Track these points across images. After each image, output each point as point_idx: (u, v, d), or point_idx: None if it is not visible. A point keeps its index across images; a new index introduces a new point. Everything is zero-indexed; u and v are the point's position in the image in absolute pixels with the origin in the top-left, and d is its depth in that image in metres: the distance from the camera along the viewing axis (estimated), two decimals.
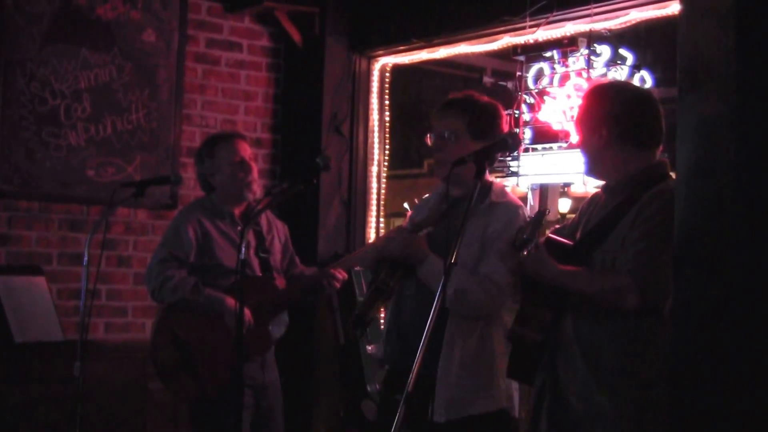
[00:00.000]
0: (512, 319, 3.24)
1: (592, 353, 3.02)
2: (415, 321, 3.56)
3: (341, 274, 4.48)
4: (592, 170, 3.26)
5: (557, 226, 3.51)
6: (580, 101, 3.33)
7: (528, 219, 3.27)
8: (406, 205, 4.41)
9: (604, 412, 2.99)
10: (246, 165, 4.54)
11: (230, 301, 4.32)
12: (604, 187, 3.26)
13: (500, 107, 3.81)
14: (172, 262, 4.45)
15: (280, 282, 4.62)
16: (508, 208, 3.70)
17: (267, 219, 4.71)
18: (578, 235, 3.20)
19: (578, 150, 3.31)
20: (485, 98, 3.80)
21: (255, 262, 4.55)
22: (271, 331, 4.51)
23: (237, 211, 4.58)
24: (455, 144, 3.67)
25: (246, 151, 4.59)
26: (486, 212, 3.66)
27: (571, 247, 3.14)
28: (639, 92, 3.37)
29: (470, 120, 3.68)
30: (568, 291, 3.06)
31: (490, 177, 3.89)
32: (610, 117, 3.13)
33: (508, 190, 3.88)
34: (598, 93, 3.26)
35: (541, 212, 3.24)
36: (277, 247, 4.69)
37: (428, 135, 3.78)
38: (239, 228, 4.49)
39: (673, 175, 3.12)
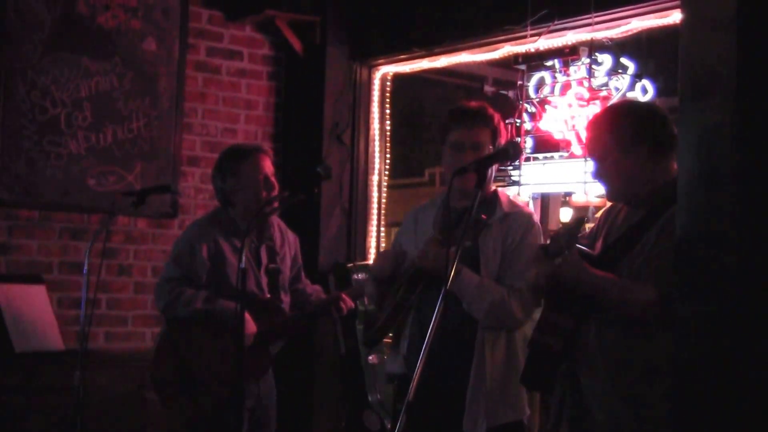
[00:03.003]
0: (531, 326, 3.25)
1: (616, 364, 3.01)
2: (441, 333, 3.54)
3: (349, 303, 4.46)
4: (627, 190, 3.19)
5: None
6: (599, 127, 3.23)
7: (562, 226, 3.24)
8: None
9: (627, 424, 2.98)
10: (269, 183, 4.45)
11: (246, 314, 4.26)
12: (628, 201, 3.24)
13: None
14: (183, 281, 4.39)
15: (285, 300, 4.58)
16: (523, 217, 3.75)
17: (280, 231, 4.63)
18: (599, 246, 3.19)
19: (604, 177, 3.21)
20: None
21: (264, 281, 4.49)
22: (270, 350, 4.50)
23: (255, 230, 4.52)
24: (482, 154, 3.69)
25: (270, 167, 4.48)
26: (501, 223, 3.69)
27: (596, 257, 3.13)
28: (650, 105, 3.40)
29: (491, 132, 3.75)
30: (599, 298, 3.04)
31: (493, 186, 3.89)
32: (644, 134, 3.11)
33: (514, 198, 3.89)
34: (622, 111, 3.23)
35: (580, 219, 3.20)
36: (287, 264, 4.63)
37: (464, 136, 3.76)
38: (254, 244, 4.47)
39: None
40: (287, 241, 4.67)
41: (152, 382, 4.53)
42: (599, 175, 3.23)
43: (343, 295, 4.45)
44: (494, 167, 3.72)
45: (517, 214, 3.74)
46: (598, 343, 3.04)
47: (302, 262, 4.80)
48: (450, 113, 3.83)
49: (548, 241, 3.19)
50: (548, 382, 3.18)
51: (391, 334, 3.90)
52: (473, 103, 3.84)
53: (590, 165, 3.31)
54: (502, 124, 3.83)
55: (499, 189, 3.92)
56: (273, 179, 4.48)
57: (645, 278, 2.98)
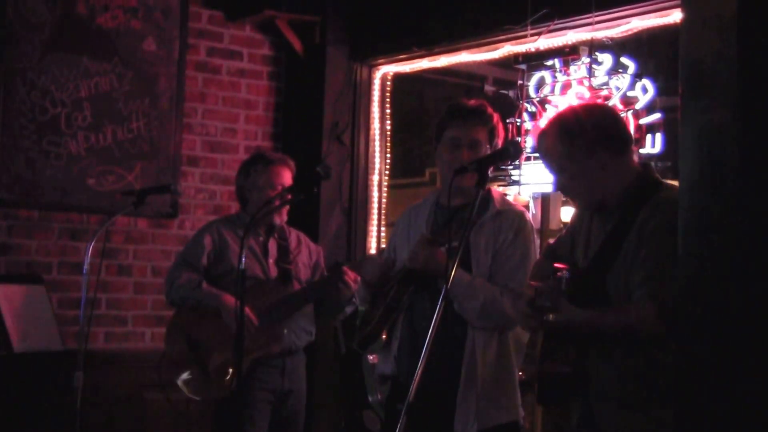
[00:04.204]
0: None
1: (626, 381, 2.96)
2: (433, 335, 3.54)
3: (352, 275, 4.47)
4: (593, 196, 3.12)
5: (550, 241, 3.47)
6: (551, 140, 3.13)
7: (546, 283, 3.17)
8: None
9: None
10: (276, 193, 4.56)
11: (227, 298, 4.40)
12: (598, 208, 3.17)
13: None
14: (184, 267, 4.58)
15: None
16: (515, 215, 3.73)
17: (298, 238, 4.81)
18: (581, 258, 3.14)
19: (565, 187, 3.15)
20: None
21: (273, 271, 4.63)
22: (287, 336, 4.53)
23: (263, 229, 4.69)
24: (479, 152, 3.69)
25: (283, 178, 4.63)
26: (493, 221, 3.68)
27: (581, 274, 3.08)
28: (594, 107, 3.33)
29: (489, 131, 3.75)
30: (595, 333, 2.99)
31: (488, 185, 3.87)
32: (597, 139, 3.04)
33: (508, 197, 3.88)
34: (569, 118, 3.14)
35: (561, 279, 3.14)
36: (304, 261, 4.77)
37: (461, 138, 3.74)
38: (261, 238, 4.63)
39: (665, 180, 3.11)
40: (305, 245, 4.83)
41: (166, 365, 4.60)
42: (561, 188, 3.18)
43: (345, 268, 4.46)
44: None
45: (508, 212, 3.72)
46: (604, 365, 2.99)
47: None
48: (448, 109, 3.81)
49: (534, 294, 3.13)
50: (564, 401, 3.15)
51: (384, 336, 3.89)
52: (472, 101, 3.83)
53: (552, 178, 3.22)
54: (500, 124, 3.82)
55: (492, 187, 3.90)
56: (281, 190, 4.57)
57: (633, 287, 2.92)
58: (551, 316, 2.98)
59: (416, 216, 3.91)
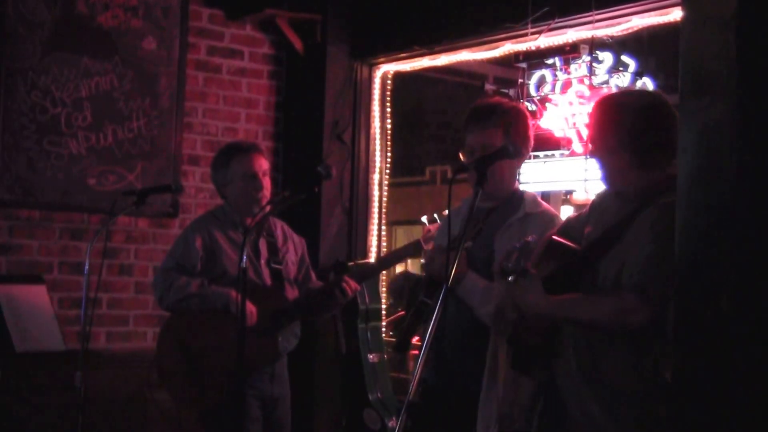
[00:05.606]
0: None
1: (589, 366, 2.96)
2: (454, 338, 3.52)
3: (353, 285, 4.44)
4: (614, 185, 3.13)
5: (571, 216, 3.46)
6: (595, 113, 3.15)
7: (518, 245, 3.17)
8: (424, 219, 4.39)
9: (600, 424, 2.94)
10: (257, 181, 4.50)
11: (235, 295, 4.29)
12: (618, 193, 3.17)
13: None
14: (178, 271, 4.46)
15: (291, 294, 4.59)
16: (545, 217, 3.65)
17: (283, 232, 4.70)
18: (587, 233, 3.14)
19: (595, 160, 3.16)
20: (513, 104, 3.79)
21: (266, 273, 4.53)
22: (281, 343, 4.49)
23: (249, 221, 4.56)
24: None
25: (261, 165, 4.54)
26: (521, 223, 3.62)
27: (576, 252, 3.08)
28: (658, 101, 3.19)
29: (504, 130, 3.65)
30: (565, 321, 2.98)
31: (521, 186, 3.84)
32: (626, 141, 3.02)
33: (540, 199, 3.84)
34: (620, 107, 3.11)
35: (527, 242, 3.14)
36: (292, 259, 4.67)
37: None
38: (252, 237, 4.50)
39: None
40: (292, 241, 4.72)
41: (158, 374, 4.55)
42: (593, 156, 3.20)
43: (346, 277, 4.43)
44: (518, 166, 3.70)
45: (538, 214, 3.65)
46: (573, 345, 2.99)
47: None
48: (467, 114, 3.80)
49: (503, 257, 3.12)
50: (535, 369, 3.15)
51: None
52: (487, 102, 3.77)
53: (591, 161, 3.25)
54: (521, 117, 3.73)
55: (527, 189, 3.86)
56: (261, 178, 4.52)
57: (625, 279, 2.90)
58: (512, 278, 2.97)
59: (455, 216, 3.87)
